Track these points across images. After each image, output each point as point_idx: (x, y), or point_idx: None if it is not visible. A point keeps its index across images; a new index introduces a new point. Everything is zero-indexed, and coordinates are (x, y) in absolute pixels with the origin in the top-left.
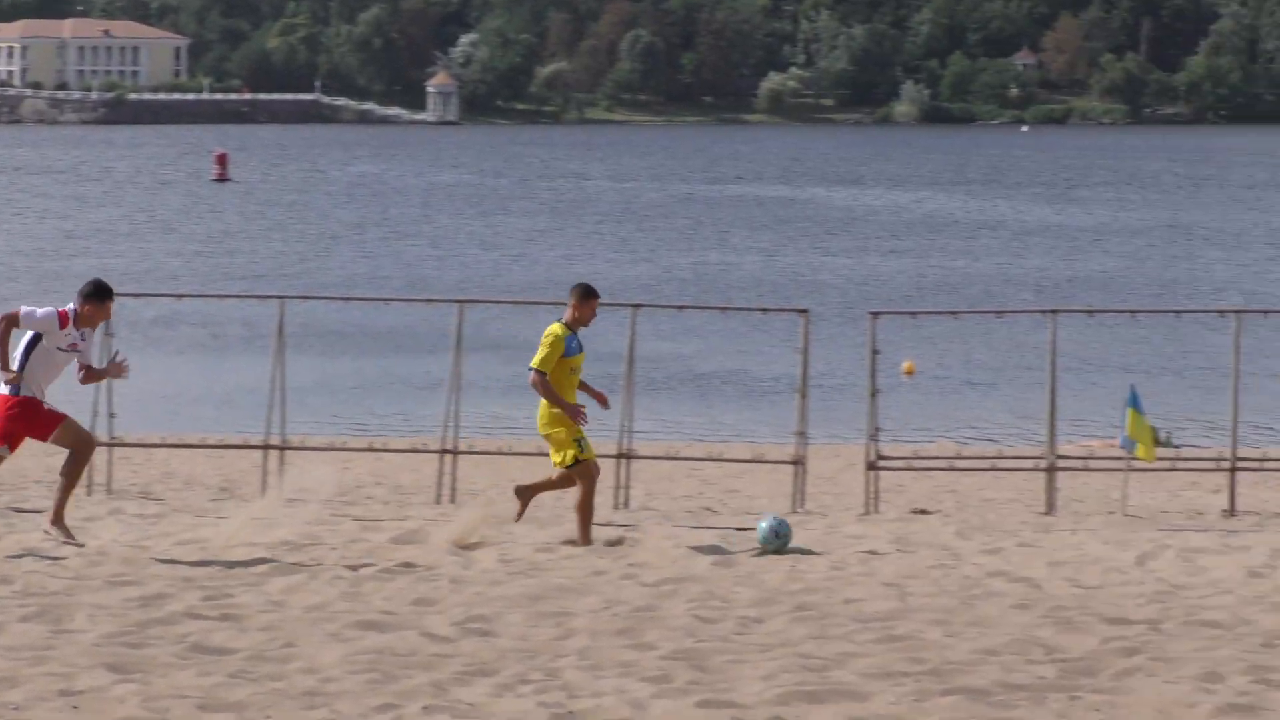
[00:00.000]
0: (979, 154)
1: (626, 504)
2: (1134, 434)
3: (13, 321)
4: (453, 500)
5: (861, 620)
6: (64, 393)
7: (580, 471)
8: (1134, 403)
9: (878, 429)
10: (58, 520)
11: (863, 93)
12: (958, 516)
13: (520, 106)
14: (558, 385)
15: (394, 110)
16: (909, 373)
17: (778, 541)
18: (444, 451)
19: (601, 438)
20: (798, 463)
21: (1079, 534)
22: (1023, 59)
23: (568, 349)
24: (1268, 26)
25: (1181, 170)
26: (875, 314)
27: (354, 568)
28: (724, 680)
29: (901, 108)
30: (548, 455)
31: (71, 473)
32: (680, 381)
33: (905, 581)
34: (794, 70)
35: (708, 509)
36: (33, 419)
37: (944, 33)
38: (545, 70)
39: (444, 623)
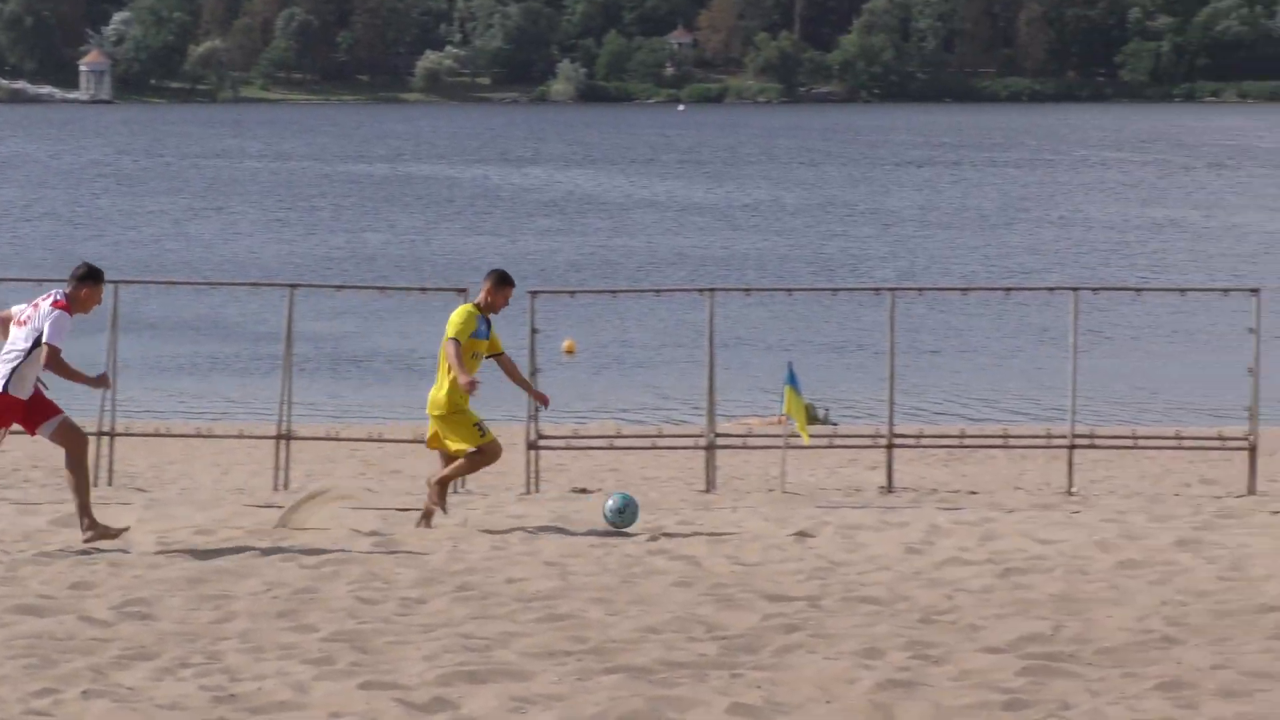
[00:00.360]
0: (635, 133)
1: (286, 485)
2: (791, 412)
3: (57, 356)
4: (110, 483)
5: (523, 600)
6: None
7: (488, 449)
8: (791, 381)
9: (538, 408)
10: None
11: (519, 71)
12: None
13: (174, 85)
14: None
15: (46, 89)
16: (569, 352)
17: (621, 518)
18: (101, 433)
19: (267, 420)
20: None
21: (739, 511)
22: (678, 38)
23: (476, 330)
24: (919, 5)
25: (835, 149)
26: (534, 293)
27: (10, 552)
28: (386, 661)
29: (558, 86)
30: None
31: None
32: (339, 361)
33: (567, 560)
34: (450, 49)
35: (369, 490)
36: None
37: (600, 11)
38: (199, 49)
39: (102, 606)
